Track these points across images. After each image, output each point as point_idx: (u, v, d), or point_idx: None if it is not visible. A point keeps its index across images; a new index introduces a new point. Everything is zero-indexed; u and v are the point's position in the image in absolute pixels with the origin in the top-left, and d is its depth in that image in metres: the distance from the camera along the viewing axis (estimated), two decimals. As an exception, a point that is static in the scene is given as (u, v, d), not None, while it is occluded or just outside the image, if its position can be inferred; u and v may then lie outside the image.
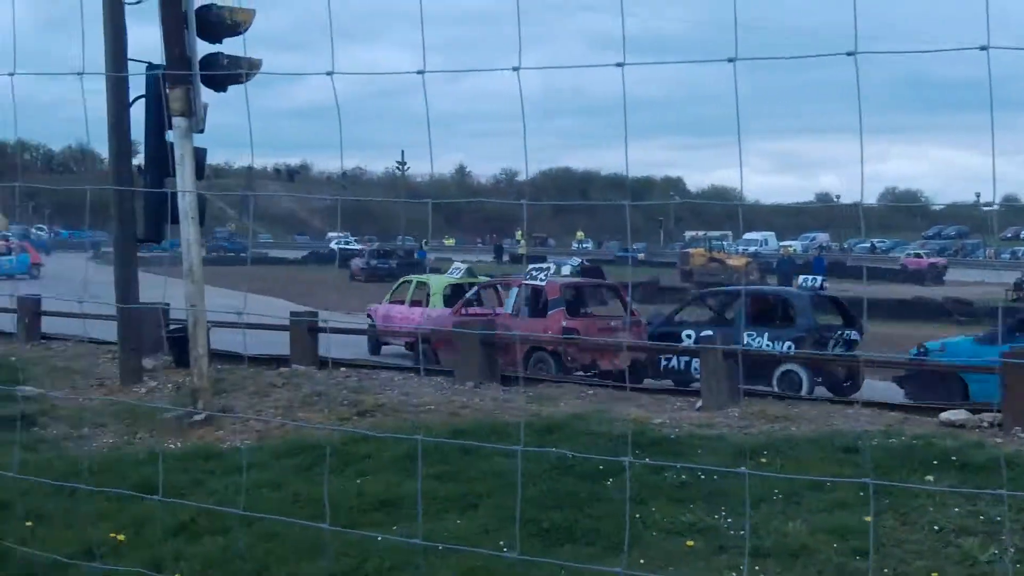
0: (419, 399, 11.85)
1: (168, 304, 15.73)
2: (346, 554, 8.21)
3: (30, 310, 16.66)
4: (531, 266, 23.43)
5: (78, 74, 4.84)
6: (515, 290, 21.11)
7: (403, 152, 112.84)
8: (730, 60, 3.51)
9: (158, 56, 12.78)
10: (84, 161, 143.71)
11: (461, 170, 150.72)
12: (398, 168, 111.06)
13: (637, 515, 8.11)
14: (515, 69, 3.94)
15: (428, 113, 4.18)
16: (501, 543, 7.92)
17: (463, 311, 21.44)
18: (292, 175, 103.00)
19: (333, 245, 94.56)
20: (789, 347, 18.76)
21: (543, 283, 20.58)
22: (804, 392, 15.72)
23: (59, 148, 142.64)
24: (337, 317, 27.58)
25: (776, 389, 15.19)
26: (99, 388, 13.50)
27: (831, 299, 22.70)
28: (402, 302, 25.81)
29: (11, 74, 4.98)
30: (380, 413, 11.39)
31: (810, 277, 28.44)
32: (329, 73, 4.29)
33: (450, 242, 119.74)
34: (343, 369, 13.72)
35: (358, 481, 9.30)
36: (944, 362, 15.64)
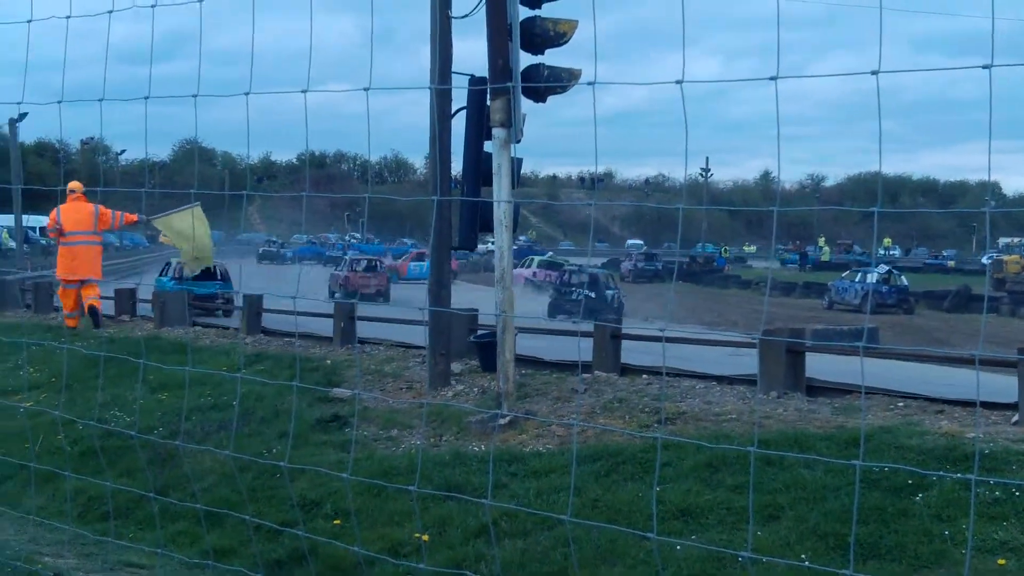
0: (721, 408, 11.72)
1: (477, 310, 16.16)
2: (645, 561, 8.22)
3: (345, 315, 17.33)
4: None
5: (364, 89, 4.96)
6: None
7: (707, 159, 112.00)
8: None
9: (475, 69, 13.17)
10: (398, 171, 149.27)
11: (765, 175, 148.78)
12: (702, 174, 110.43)
13: (946, 532, 7.83)
14: (773, 79, 3.83)
15: (687, 124, 4.11)
16: (802, 556, 7.78)
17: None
18: (595, 183, 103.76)
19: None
20: None
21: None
22: None
23: (375, 158, 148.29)
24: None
25: None
26: (408, 391, 13.92)
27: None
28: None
29: (304, 91, 5.16)
30: (681, 421, 11.33)
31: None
32: (592, 83, 4.29)
33: (750, 249, 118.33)
34: (644, 376, 13.70)
35: (657, 488, 9.27)
36: None
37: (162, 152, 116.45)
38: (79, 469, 11.22)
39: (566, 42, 12.04)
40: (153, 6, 5.65)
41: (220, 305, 28.40)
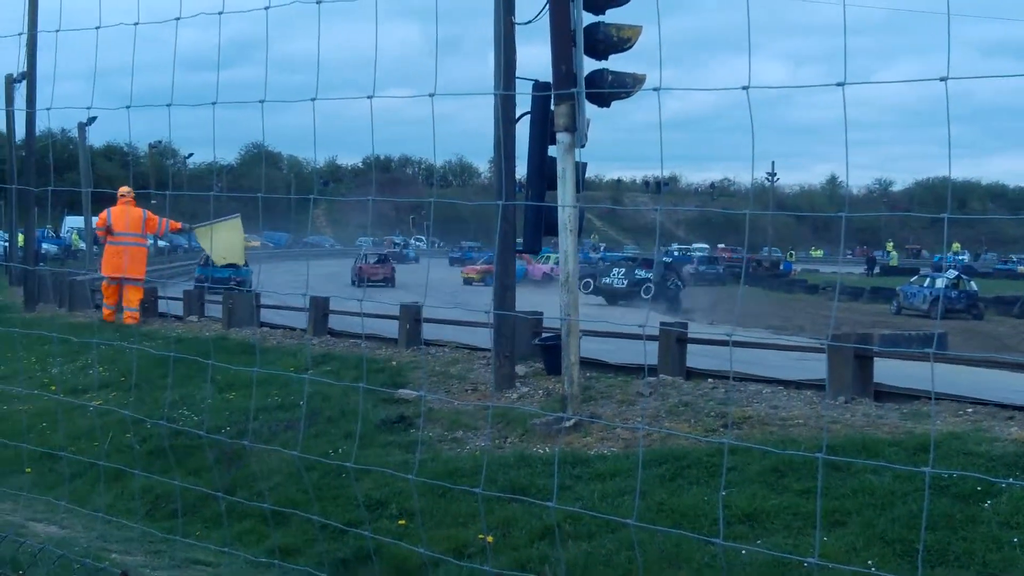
0: (788, 412, 11.64)
1: (541, 313, 16.14)
2: (710, 566, 8.18)
3: (411, 317, 17.39)
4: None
5: (429, 95, 4.99)
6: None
7: (773, 163, 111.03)
8: None
9: (539, 74, 13.17)
10: (462, 174, 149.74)
11: (832, 180, 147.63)
12: (768, 179, 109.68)
13: (1015, 539, 7.74)
14: (840, 84, 3.80)
15: (753, 130, 4.09)
16: (869, 562, 7.71)
17: None
18: (660, 186, 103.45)
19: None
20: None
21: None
22: None
23: (439, 162, 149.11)
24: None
25: None
26: (473, 393, 13.94)
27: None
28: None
29: (369, 97, 5.20)
30: (747, 425, 11.26)
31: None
32: (657, 89, 4.28)
33: (817, 253, 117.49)
34: (710, 380, 13.63)
35: (723, 493, 9.23)
36: None
37: (229, 155, 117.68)
38: (147, 467, 11.38)
39: (630, 47, 11.95)
40: (220, 13, 5.74)
41: (233, 286, 36.11)
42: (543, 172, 12.57)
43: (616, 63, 12.31)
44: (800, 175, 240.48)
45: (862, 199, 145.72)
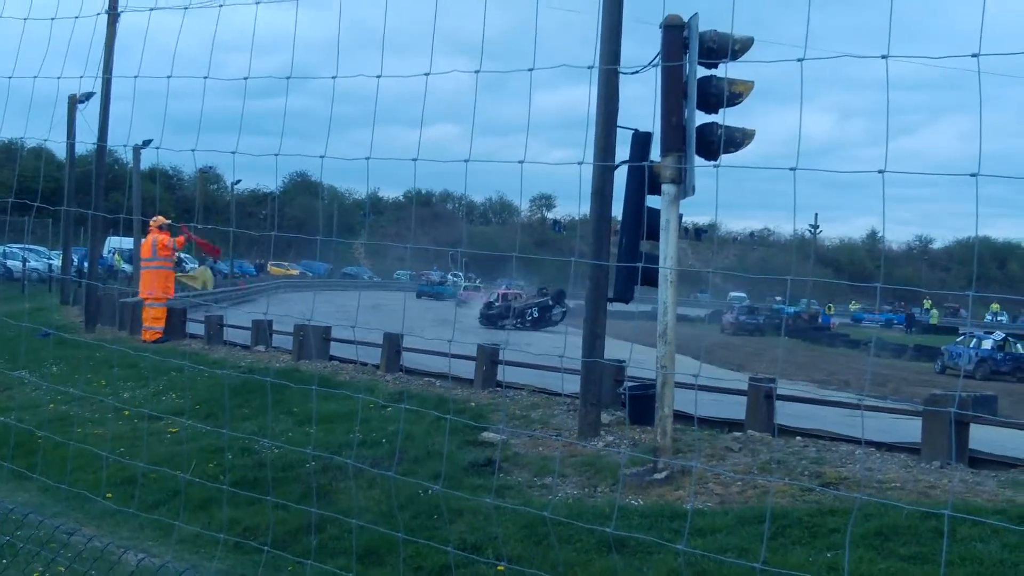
0: (884, 475, 11.53)
1: (623, 361, 16.05)
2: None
3: (488, 358, 17.35)
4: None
5: (519, 162, 5.16)
6: None
7: (816, 215, 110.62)
8: None
9: (636, 122, 13.13)
10: (501, 212, 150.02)
11: (872, 235, 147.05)
12: (810, 230, 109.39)
13: None
14: (881, 172, 3.79)
15: (795, 201, 4.08)
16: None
17: None
18: (699, 233, 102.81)
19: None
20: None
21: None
22: None
23: (480, 199, 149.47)
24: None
25: None
26: (558, 440, 13.85)
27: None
28: None
29: (466, 160, 5.23)
30: (844, 487, 11.16)
31: None
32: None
33: (855, 307, 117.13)
34: (798, 438, 13.50)
35: (828, 555, 9.16)
36: None
37: (274, 183, 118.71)
38: (233, 499, 11.35)
39: (740, 102, 11.80)
40: (288, 77, 6.42)
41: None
42: (638, 221, 12.48)
43: (729, 116, 12.18)
44: (841, 228, 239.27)
45: (902, 255, 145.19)
